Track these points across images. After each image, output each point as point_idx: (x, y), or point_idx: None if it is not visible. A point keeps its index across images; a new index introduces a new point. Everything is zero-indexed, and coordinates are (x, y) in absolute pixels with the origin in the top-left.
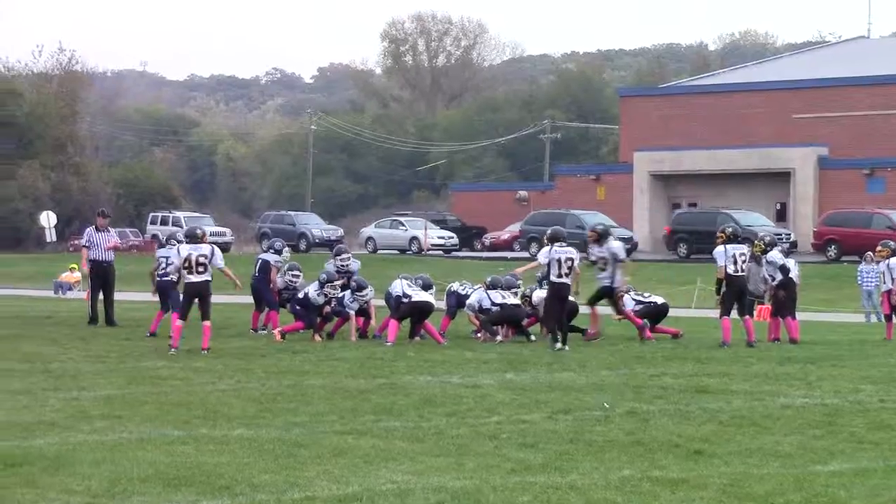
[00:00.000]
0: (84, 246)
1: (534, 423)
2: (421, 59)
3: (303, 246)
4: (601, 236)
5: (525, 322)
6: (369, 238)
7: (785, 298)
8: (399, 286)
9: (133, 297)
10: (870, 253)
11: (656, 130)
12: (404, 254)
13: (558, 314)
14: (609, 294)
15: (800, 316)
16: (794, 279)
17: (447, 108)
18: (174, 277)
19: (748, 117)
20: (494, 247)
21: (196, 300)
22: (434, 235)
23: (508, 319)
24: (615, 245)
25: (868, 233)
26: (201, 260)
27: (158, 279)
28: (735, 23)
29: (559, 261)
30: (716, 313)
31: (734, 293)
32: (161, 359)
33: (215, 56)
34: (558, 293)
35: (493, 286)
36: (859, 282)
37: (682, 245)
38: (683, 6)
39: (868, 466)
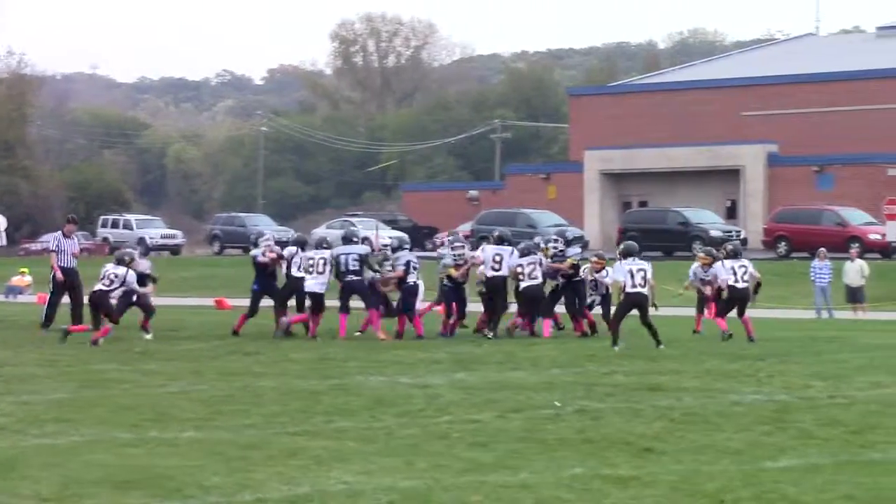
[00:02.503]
0: (52, 251)
1: (485, 422)
2: (371, 60)
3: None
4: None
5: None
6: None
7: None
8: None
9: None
10: (823, 249)
11: (606, 129)
12: None
13: (621, 318)
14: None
15: (751, 312)
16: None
17: (398, 108)
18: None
19: (698, 115)
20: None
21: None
22: (385, 235)
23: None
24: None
25: (817, 229)
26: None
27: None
28: (684, 21)
29: (631, 271)
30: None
31: (734, 301)
32: (111, 362)
33: (165, 58)
34: (632, 302)
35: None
36: (812, 278)
37: None
38: (633, 5)
39: (817, 462)
